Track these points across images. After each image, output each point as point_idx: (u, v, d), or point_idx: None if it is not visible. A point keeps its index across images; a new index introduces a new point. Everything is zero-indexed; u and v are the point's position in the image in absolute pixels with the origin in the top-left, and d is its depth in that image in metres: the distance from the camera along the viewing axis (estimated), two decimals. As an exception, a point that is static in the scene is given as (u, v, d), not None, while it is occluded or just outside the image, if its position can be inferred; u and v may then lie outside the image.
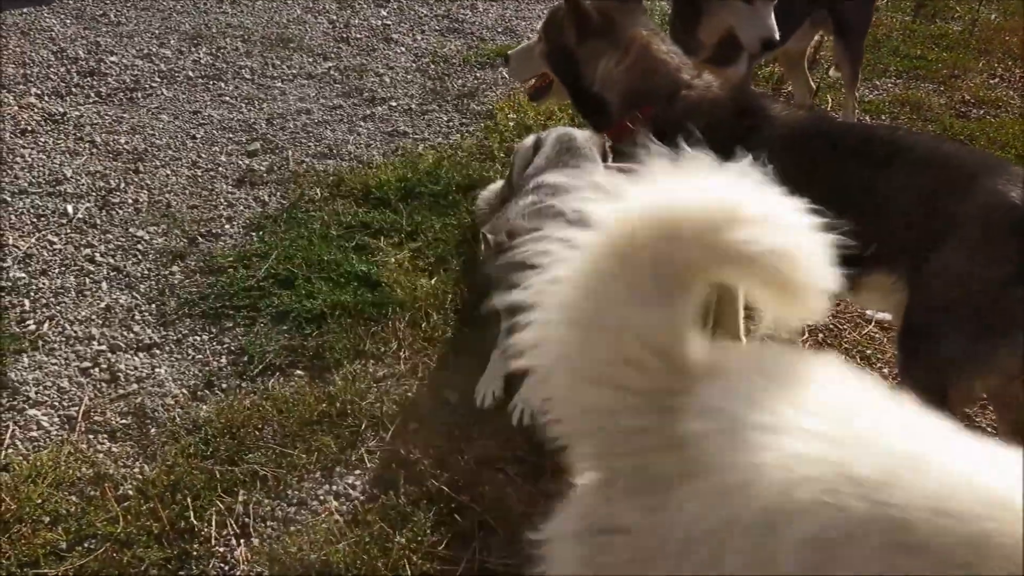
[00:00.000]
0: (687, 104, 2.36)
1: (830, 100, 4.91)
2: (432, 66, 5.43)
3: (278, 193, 4.10)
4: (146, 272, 3.55)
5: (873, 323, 3.18)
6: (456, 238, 3.69)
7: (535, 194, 3.12)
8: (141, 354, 3.12)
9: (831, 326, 3.20)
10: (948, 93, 4.99)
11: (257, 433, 2.75)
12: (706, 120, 2.36)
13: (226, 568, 2.35)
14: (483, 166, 4.22)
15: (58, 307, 3.34)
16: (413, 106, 4.96)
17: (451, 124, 4.77)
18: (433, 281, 3.43)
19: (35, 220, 3.86)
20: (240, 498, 2.52)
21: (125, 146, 4.46)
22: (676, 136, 2.41)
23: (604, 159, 3.54)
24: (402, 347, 3.10)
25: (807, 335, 3.14)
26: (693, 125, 2.34)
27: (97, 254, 3.65)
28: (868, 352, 3.05)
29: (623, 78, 2.43)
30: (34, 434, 2.78)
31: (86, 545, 2.40)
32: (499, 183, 3.85)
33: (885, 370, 2.96)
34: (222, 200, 4.05)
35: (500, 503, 2.47)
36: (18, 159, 4.29)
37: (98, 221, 3.87)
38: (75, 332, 3.21)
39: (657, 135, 2.40)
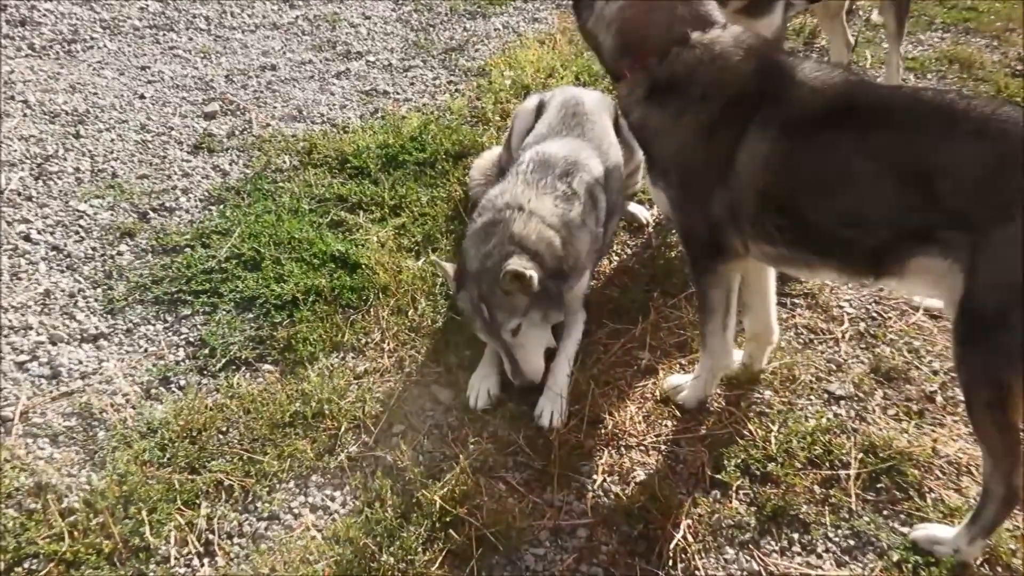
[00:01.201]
0: (687, 61, 2.33)
1: (869, 56, 4.88)
2: (415, 15, 5.37)
3: (240, 161, 4.06)
4: (90, 252, 3.51)
5: (922, 311, 3.17)
6: (445, 213, 3.66)
7: (522, 176, 3.09)
8: (86, 346, 3.09)
9: (874, 314, 3.19)
10: (1002, 49, 4.97)
11: (221, 437, 2.72)
12: (712, 82, 2.33)
13: (188, 591, 2.33)
14: (475, 131, 4.17)
15: (-11, 292, 3.30)
16: (394, 61, 4.90)
17: (438, 82, 4.72)
18: (420, 262, 3.40)
19: (-40, 192, 3.81)
20: (203, 511, 2.49)
21: (63, 107, 4.40)
22: (675, 97, 2.43)
23: (616, 126, 3.51)
24: (386, 338, 3.08)
25: (847, 324, 3.12)
26: (695, 86, 2.34)
27: (33, 231, 3.60)
28: (916, 344, 3.04)
29: (615, 21, 2.42)
30: (-37, 438, 2.74)
31: (27, 566, 2.36)
32: (495, 150, 3.81)
33: (936, 364, 2.95)
34: (176, 169, 4.00)
35: (500, 516, 2.46)
36: (-61, 121, 4.23)
37: (34, 193, 3.82)
38: (9, 321, 3.17)
39: (654, 92, 2.39)
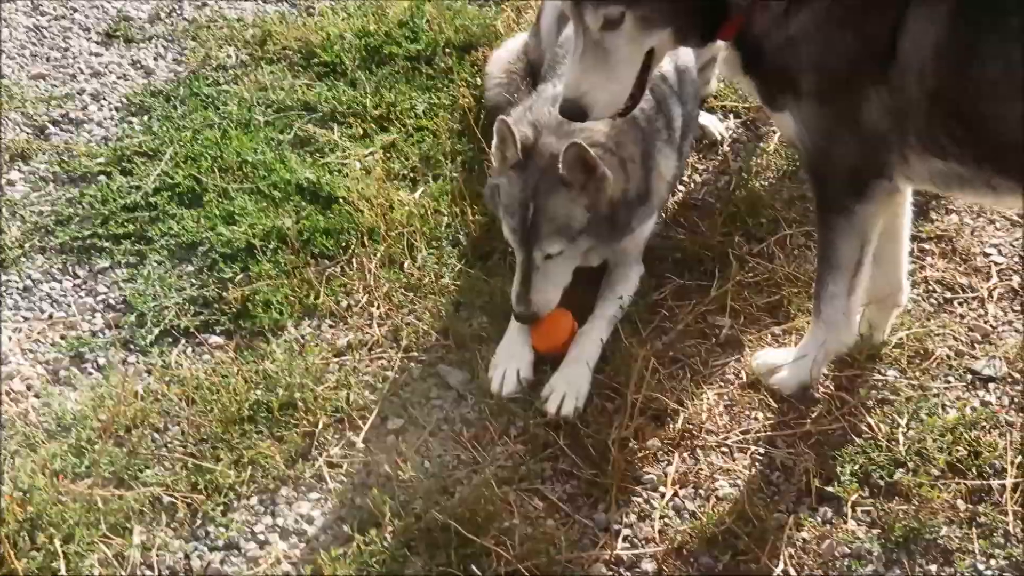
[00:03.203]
0: None
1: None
2: None
3: (169, 54, 3.99)
4: (-31, 181, 3.44)
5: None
6: (450, 126, 3.59)
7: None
8: (-32, 312, 3.04)
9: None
10: None
11: (157, 437, 2.68)
12: None
13: (120, 648, 2.32)
14: (486, 13, 4.09)
15: None
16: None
17: (435, -56, 4.60)
18: (418, 195, 3.33)
19: None
20: (136, 539, 2.45)
21: (-76, -21, 4.29)
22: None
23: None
24: (374, 299, 3.03)
25: (995, 278, 3.04)
26: None
27: None
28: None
29: None
30: None
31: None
32: (520, 38, 3.71)
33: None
34: (83, 66, 3.93)
35: (538, 544, 2.41)
36: None
37: None
38: None
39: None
